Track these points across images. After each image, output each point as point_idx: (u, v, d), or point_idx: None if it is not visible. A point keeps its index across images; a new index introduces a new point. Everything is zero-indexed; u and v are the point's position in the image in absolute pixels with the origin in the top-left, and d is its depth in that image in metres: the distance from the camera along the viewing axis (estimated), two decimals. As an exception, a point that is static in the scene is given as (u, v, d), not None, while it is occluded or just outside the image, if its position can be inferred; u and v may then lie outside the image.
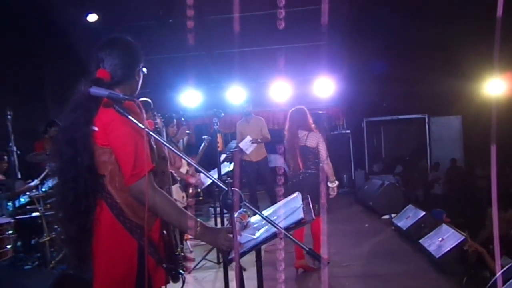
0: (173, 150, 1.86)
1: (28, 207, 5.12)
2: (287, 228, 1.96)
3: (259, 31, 8.31)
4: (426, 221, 5.88)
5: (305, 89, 9.68)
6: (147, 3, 7.84)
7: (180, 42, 8.24)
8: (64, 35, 7.97)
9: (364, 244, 5.92)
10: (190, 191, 5.49)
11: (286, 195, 2.67)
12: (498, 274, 3.32)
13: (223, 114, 4.95)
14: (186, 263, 5.15)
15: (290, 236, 1.82)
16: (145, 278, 1.82)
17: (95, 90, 1.76)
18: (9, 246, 4.36)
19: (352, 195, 9.92)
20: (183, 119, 6.04)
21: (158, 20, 7.86)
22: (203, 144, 5.70)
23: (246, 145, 7.23)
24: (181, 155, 1.90)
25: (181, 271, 2.03)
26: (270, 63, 9.16)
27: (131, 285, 1.86)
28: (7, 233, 4.37)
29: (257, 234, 2.05)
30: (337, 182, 4.89)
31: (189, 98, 9.74)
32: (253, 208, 1.90)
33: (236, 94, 9.43)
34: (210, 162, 5.68)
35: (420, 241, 5.39)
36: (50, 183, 4.85)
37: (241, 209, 2.13)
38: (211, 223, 5.95)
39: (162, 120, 4.33)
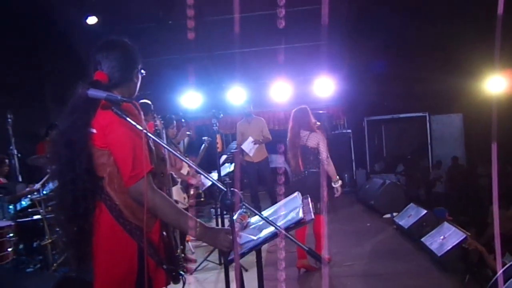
0: (172, 152, 1.85)
1: (29, 210, 5.14)
2: (287, 228, 1.96)
3: (259, 32, 8.31)
4: (427, 220, 5.87)
5: (305, 89, 9.68)
6: (147, 5, 7.85)
7: (180, 44, 8.26)
8: (65, 37, 7.98)
9: (366, 243, 5.91)
10: (191, 192, 5.50)
11: (288, 193, 2.67)
12: (499, 272, 3.31)
13: (222, 115, 4.96)
14: (188, 264, 5.15)
15: (290, 236, 1.82)
16: (145, 280, 1.82)
17: (93, 92, 1.77)
18: (10, 249, 4.37)
19: (353, 195, 9.91)
20: (183, 120, 6.04)
21: (158, 22, 7.88)
22: (203, 145, 5.70)
23: (249, 146, 7.24)
24: (180, 157, 1.90)
25: (181, 272, 2.03)
26: (270, 63, 9.15)
27: (131, 287, 1.86)
28: (7, 236, 4.38)
29: (257, 234, 2.05)
30: (340, 182, 4.90)
31: (190, 99, 9.74)
32: (252, 209, 1.91)
33: (236, 95, 9.44)
34: (210, 163, 5.69)
35: (422, 239, 5.38)
36: (51, 186, 4.86)
37: (241, 210, 2.13)
38: (212, 224, 5.94)
39: (162, 122, 4.33)
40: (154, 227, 1.93)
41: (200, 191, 6.84)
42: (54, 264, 4.63)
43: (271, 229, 1.94)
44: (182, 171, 5.17)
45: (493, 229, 5.11)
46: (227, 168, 6.20)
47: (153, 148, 1.95)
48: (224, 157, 6.44)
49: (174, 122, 5.25)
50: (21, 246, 4.85)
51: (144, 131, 1.76)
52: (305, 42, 9.16)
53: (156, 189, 1.84)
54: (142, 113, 1.84)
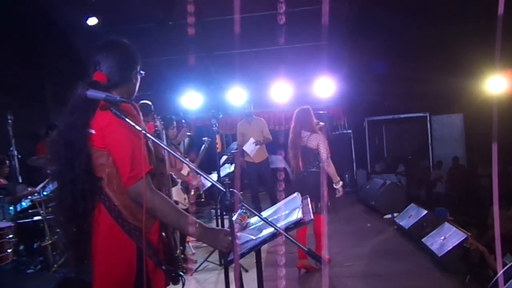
0: (171, 153, 1.85)
1: (30, 211, 5.13)
2: (287, 229, 1.96)
3: (259, 32, 8.31)
4: (428, 220, 5.87)
5: (305, 90, 9.67)
6: (147, 5, 7.84)
7: (180, 44, 8.26)
8: (65, 38, 7.98)
9: (366, 244, 5.91)
10: (192, 193, 5.50)
11: (288, 194, 2.67)
12: (500, 273, 3.31)
13: (221, 115, 4.96)
14: (188, 265, 5.16)
15: (289, 237, 1.82)
16: (144, 281, 1.82)
17: (92, 93, 1.77)
18: (9, 250, 4.38)
19: (354, 195, 9.90)
20: (183, 121, 6.04)
21: (158, 23, 7.87)
22: (203, 146, 5.70)
23: (250, 147, 7.25)
24: (180, 157, 1.90)
25: (180, 273, 2.03)
26: (271, 64, 9.16)
27: (130, 287, 1.86)
28: (7, 237, 4.39)
29: (257, 235, 2.05)
30: (341, 183, 4.90)
31: (190, 100, 9.74)
32: (251, 209, 1.90)
33: (236, 95, 9.44)
34: (210, 163, 5.69)
35: (423, 240, 5.37)
36: (51, 186, 4.86)
37: (241, 210, 2.13)
38: (212, 225, 5.95)
39: (162, 122, 4.33)
40: (153, 227, 1.93)
41: (201, 191, 6.85)
42: (55, 265, 4.63)
43: (270, 229, 1.94)
44: (182, 172, 5.17)
45: (494, 230, 5.11)
46: (227, 169, 6.20)
47: (152, 148, 1.95)
48: (224, 157, 6.44)
49: (174, 122, 5.25)
50: (21, 247, 4.85)
51: (143, 131, 1.76)
52: (306, 43, 9.14)
53: (155, 190, 1.84)
54: (141, 113, 1.84)
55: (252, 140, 7.24)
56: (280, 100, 9.61)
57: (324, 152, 4.77)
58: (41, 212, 4.80)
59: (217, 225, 5.80)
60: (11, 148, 4.74)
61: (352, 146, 11.31)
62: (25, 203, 5.15)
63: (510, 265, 3.53)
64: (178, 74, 9.35)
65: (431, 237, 5.27)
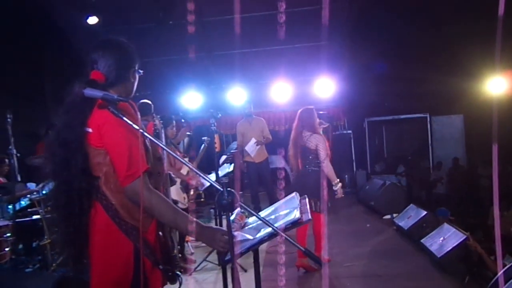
0: (169, 152, 1.85)
1: (29, 210, 5.13)
2: (285, 229, 1.95)
3: (259, 32, 8.31)
4: (427, 221, 5.86)
5: (305, 90, 9.65)
6: (147, 5, 7.85)
7: (180, 44, 8.25)
8: (65, 37, 7.99)
9: (366, 244, 5.90)
10: (191, 192, 5.49)
11: (287, 193, 2.67)
12: (500, 273, 3.30)
13: (220, 114, 4.96)
14: (187, 265, 5.15)
15: (287, 237, 1.82)
16: (141, 280, 1.81)
17: (89, 92, 1.76)
18: (7, 249, 4.37)
19: (353, 195, 9.90)
20: (183, 120, 6.04)
21: (158, 22, 7.87)
22: (202, 145, 5.70)
23: (252, 147, 7.25)
24: (178, 157, 1.89)
25: (178, 272, 2.02)
26: (271, 64, 9.15)
27: (127, 287, 1.85)
28: (4, 236, 4.38)
29: (255, 234, 2.05)
30: (340, 184, 4.89)
31: (190, 99, 9.73)
32: (248, 209, 1.90)
33: (236, 95, 9.43)
34: (210, 163, 5.68)
35: (422, 240, 5.36)
36: (50, 185, 4.86)
37: (239, 210, 2.12)
38: (212, 225, 5.94)
39: (161, 121, 4.32)
40: (150, 227, 1.92)
41: (200, 191, 6.84)
42: (53, 264, 4.62)
43: (268, 229, 1.94)
44: (181, 171, 5.16)
45: (494, 231, 5.10)
46: (226, 169, 6.20)
47: (150, 147, 1.94)
48: (224, 157, 6.44)
49: (174, 122, 5.24)
50: (20, 246, 4.86)
51: (141, 130, 1.75)
52: (306, 43, 9.15)
53: (152, 189, 1.83)
54: (138, 112, 1.83)
55: (253, 140, 7.25)
56: (280, 100, 9.61)
57: (323, 153, 4.77)
58: (40, 211, 4.79)
59: (217, 225, 5.80)
60: (10, 147, 4.73)
61: (352, 147, 11.30)
62: (24, 202, 5.16)
63: (510, 266, 3.52)
64: (178, 74, 9.35)
65: (431, 238, 5.27)
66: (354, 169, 11.23)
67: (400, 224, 6.41)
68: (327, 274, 4.73)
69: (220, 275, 4.74)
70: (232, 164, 6.47)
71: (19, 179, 5.01)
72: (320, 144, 4.80)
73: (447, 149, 11.14)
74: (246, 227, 2.21)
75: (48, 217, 4.68)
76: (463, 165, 10.78)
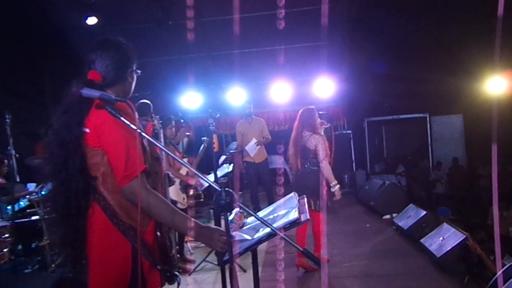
0: (167, 153, 1.84)
1: (28, 210, 5.13)
2: (283, 229, 1.95)
3: (259, 32, 8.31)
4: (427, 221, 5.85)
5: (305, 90, 9.64)
6: (146, 5, 7.84)
7: (180, 44, 8.26)
8: (64, 38, 7.98)
9: (365, 244, 5.90)
10: (191, 192, 5.49)
11: (287, 193, 2.67)
12: (499, 273, 3.30)
13: (218, 115, 4.95)
14: (186, 265, 5.15)
15: (285, 237, 1.81)
16: (139, 280, 1.81)
17: (86, 92, 1.75)
18: (5, 250, 4.37)
19: (353, 195, 9.89)
20: (182, 120, 6.03)
21: (157, 22, 7.87)
22: (202, 145, 5.69)
23: (252, 147, 7.25)
24: (175, 157, 1.89)
25: (176, 272, 2.02)
26: (270, 64, 9.14)
27: (125, 287, 1.85)
28: (3, 236, 4.38)
29: (253, 235, 2.04)
30: (338, 186, 4.86)
31: (190, 99, 9.74)
32: (247, 209, 1.89)
33: (236, 95, 9.43)
34: (209, 163, 5.67)
35: (421, 240, 5.36)
36: (50, 186, 4.84)
37: (237, 210, 2.12)
38: (211, 225, 5.94)
39: (160, 122, 4.31)
40: (148, 227, 1.92)
41: (199, 191, 6.83)
42: (52, 265, 4.62)
43: (267, 229, 1.93)
44: (181, 171, 5.16)
45: (494, 231, 5.10)
46: (226, 169, 6.19)
47: (147, 147, 1.94)
48: (223, 157, 6.43)
49: (173, 122, 5.23)
50: (19, 247, 4.85)
51: (138, 130, 1.75)
52: (305, 43, 9.14)
53: (150, 189, 1.83)
54: (136, 112, 1.83)
55: (254, 140, 7.25)
56: (280, 100, 9.60)
57: (321, 154, 4.76)
58: (39, 211, 4.79)
59: (215, 225, 5.79)
60: (9, 148, 4.73)
61: (352, 147, 11.30)
62: (23, 203, 5.15)
63: (509, 266, 3.52)
64: (177, 74, 9.35)
65: (430, 238, 5.26)
66: (354, 169, 11.23)
67: (399, 224, 6.41)
68: (326, 274, 4.72)
69: (219, 276, 4.75)
70: (232, 164, 6.46)
71: (18, 179, 4.99)
72: (319, 144, 4.79)
73: (446, 149, 11.15)
74: (245, 227, 2.20)
75: (47, 218, 4.67)
76: (463, 165, 10.79)
